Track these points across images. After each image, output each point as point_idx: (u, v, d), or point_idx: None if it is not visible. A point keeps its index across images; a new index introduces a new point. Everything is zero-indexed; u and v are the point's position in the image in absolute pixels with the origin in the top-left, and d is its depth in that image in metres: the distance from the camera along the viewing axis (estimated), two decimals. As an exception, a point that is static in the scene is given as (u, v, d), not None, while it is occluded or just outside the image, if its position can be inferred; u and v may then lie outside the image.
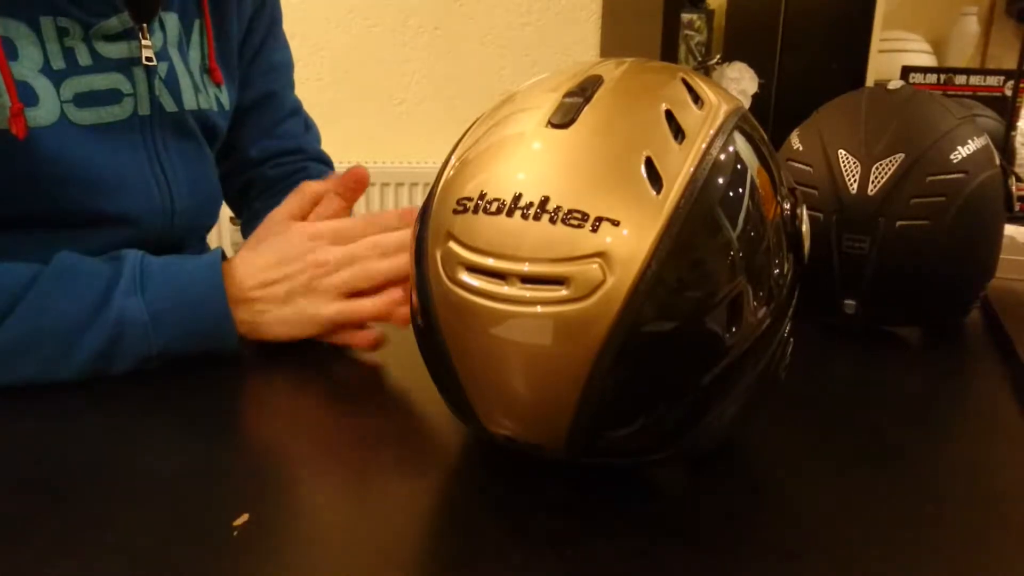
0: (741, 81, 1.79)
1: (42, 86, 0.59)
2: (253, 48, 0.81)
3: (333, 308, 0.58)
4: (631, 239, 0.35)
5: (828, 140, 0.66)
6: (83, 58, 0.61)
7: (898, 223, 0.62)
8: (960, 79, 1.68)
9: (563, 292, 0.35)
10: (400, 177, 2.18)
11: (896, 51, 1.96)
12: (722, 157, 0.37)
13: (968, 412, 0.56)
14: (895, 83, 0.71)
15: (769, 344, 0.40)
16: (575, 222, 0.35)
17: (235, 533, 0.38)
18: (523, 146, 0.38)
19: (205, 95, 0.73)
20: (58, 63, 0.60)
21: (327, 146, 0.95)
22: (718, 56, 1.88)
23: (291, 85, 0.89)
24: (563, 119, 0.38)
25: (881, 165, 0.63)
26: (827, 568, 0.36)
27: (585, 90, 0.39)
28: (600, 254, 0.35)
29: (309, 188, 0.62)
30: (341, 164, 1.02)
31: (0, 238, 0.62)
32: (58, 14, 0.59)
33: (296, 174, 0.87)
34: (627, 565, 0.36)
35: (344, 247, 0.58)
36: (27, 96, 0.58)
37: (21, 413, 0.51)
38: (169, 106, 0.68)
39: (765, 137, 0.42)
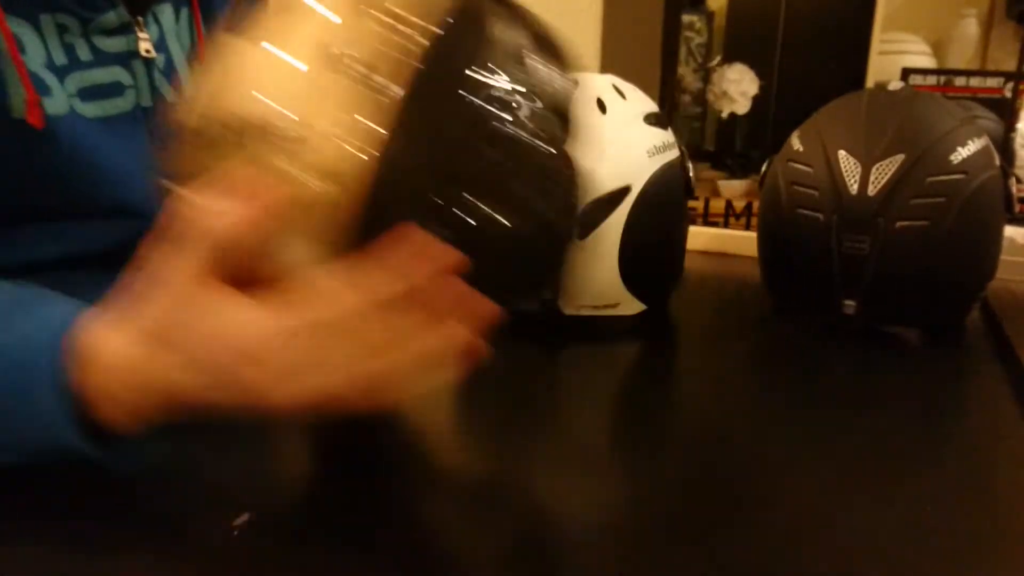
0: (741, 83, 1.79)
1: (50, 79, 0.60)
2: None
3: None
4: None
5: (828, 141, 0.66)
6: (83, 53, 0.62)
7: (898, 224, 0.62)
8: (960, 81, 1.68)
9: None
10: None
11: (896, 53, 1.96)
12: None
13: (968, 412, 0.56)
14: (895, 84, 0.71)
15: None
16: None
17: (235, 533, 0.38)
18: None
19: None
20: (60, 59, 0.61)
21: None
22: (718, 58, 1.88)
23: None
24: None
25: (881, 166, 0.63)
26: (827, 568, 0.36)
27: None
28: None
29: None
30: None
31: (10, 231, 0.63)
32: (57, 11, 0.60)
33: None
34: (627, 566, 0.36)
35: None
36: (40, 87, 0.60)
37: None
38: (170, 97, 0.69)
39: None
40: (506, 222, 0.35)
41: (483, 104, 0.35)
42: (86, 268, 0.60)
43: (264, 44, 0.36)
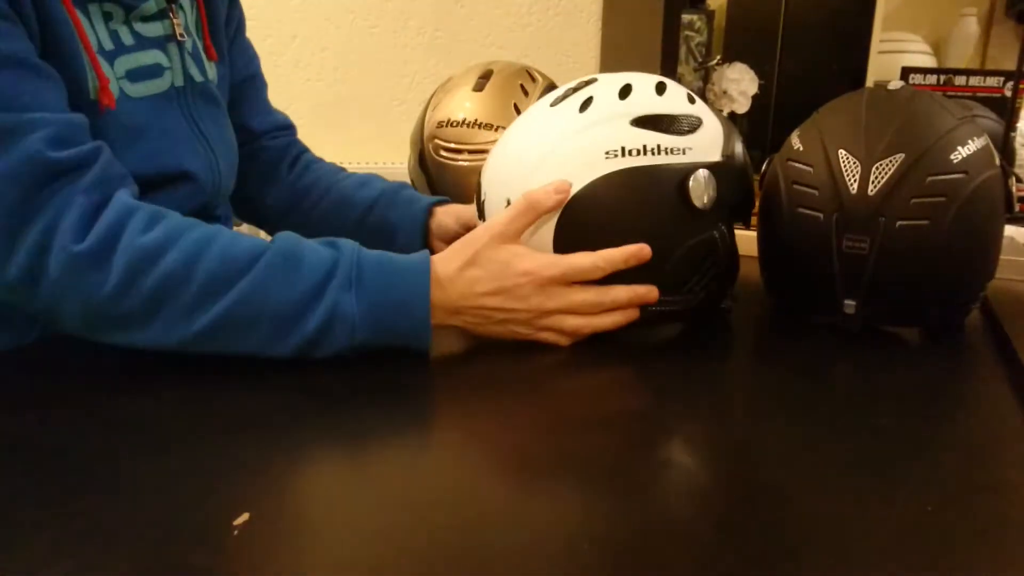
0: (741, 82, 1.78)
1: (103, 63, 0.66)
2: (231, 34, 0.90)
3: (542, 336, 0.64)
4: None
5: (828, 140, 0.66)
6: (127, 38, 0.69)
7: (898, 223, 0.62)
8: (960, 80, 1.67)
9: None
10: (401, 179, 2.18)
11: (896, 52, 1.95)
12: None
13: (968, 412, 0.56)
14: (895, 83, 0.71)
15: None
16: None
17: (235, 533, 0.38)
18: None
19: (210, 68, 0.82)
20: (108, 44, 0.67)
21: (326, 148, 0.96)
22: (718, 57, 1.87)
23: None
24: None
25: (881, 165, 0.63)
26: (828, 568, 0.36)
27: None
28: None
29: (526, 205, 0.63)
30: (342, 165, 1.02)
31: None
32: (103, 0, 0.67)
33: (290, 147, 0.97)
34: (626, 567, 0.36)
35: (567, 299, 0.62)
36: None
37: (20, 411, 0.51)
38: (197, 77, 0.77)
39: None
40: None
41: None
42: None
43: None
